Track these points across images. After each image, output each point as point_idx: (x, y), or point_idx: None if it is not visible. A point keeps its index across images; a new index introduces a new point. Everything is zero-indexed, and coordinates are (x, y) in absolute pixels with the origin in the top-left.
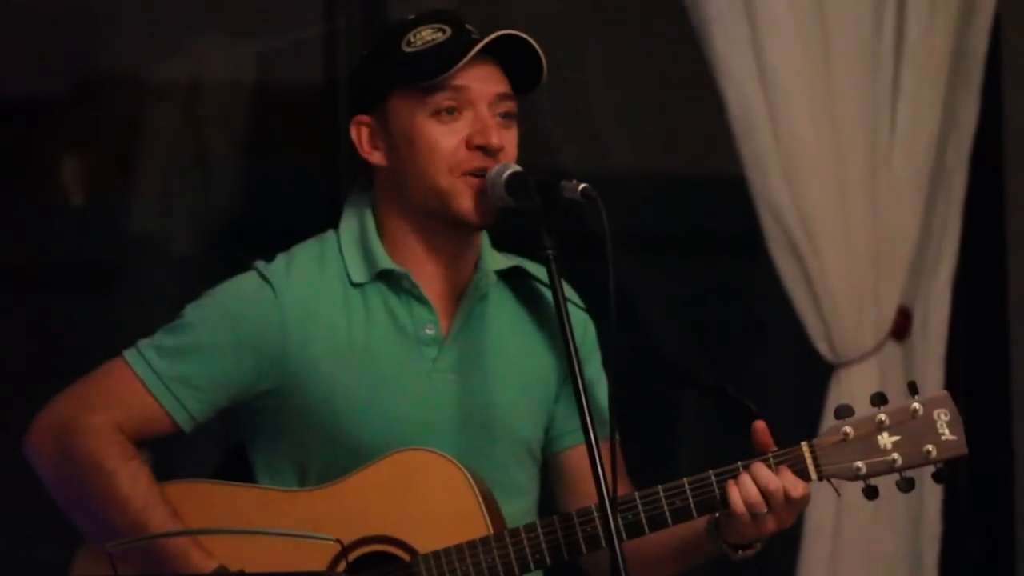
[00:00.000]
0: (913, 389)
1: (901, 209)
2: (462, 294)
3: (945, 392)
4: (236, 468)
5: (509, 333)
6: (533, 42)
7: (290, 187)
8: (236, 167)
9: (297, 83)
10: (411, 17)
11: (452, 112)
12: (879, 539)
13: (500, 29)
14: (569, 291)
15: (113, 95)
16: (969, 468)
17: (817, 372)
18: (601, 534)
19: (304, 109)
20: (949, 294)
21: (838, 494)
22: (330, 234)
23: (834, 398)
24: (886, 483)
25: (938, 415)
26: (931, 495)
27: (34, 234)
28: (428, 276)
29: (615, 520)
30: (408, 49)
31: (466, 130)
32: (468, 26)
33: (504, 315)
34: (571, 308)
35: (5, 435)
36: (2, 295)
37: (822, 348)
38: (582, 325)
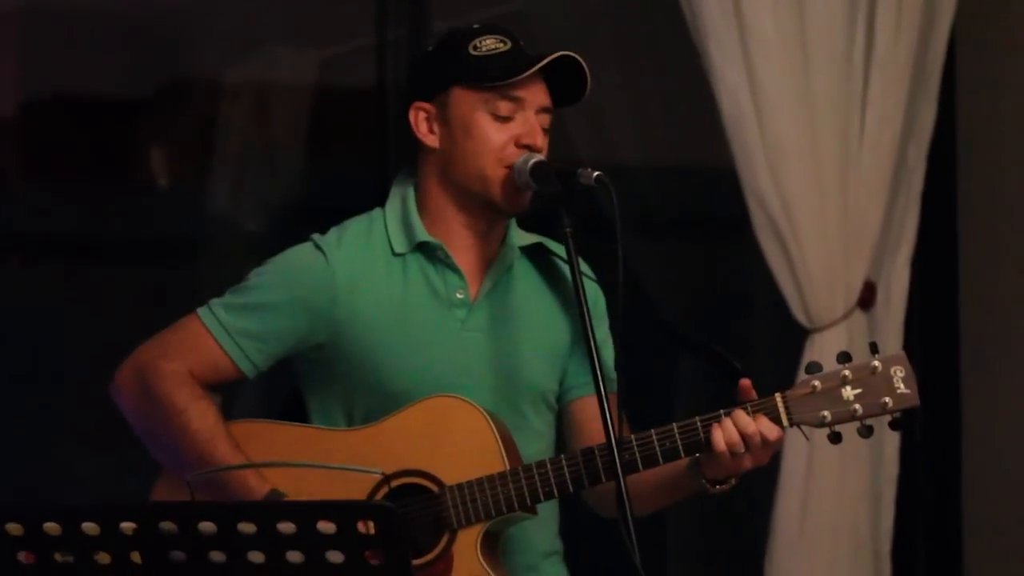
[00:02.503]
0: (874, 349)
1: (868, 199)
2: (490, 265)
3: (901, 352)
4: (293, 410)
5: (530, 299)
6: (584, 64)
7: (344, 174)
8: (299, 157)
9: (352, 85)
10: (475, 26)
11: (508, 117)
12: (845, 480)
13: (529, 43)
14: (583, 265)
15: (195, 95)
16: (923, 418)
17: (794, 336)
18: (602, 470)
19: (358, 107)
20: (908, 271)
21: (807, 438)
22: (377, 211)
23: (808, 359)
24: (850, 431)
25: (895, 371)
26: (889, 442)
27: (126, 213)
28: (460, 248)
29: (619, 457)
30: (475, 52)
31: (516, 130)
32: (522, 43)
33: (526, 284)
34: (584, 279)
35: (98, 386)
36: (98, 266)
37: (799, 316)
38: (593, 294)
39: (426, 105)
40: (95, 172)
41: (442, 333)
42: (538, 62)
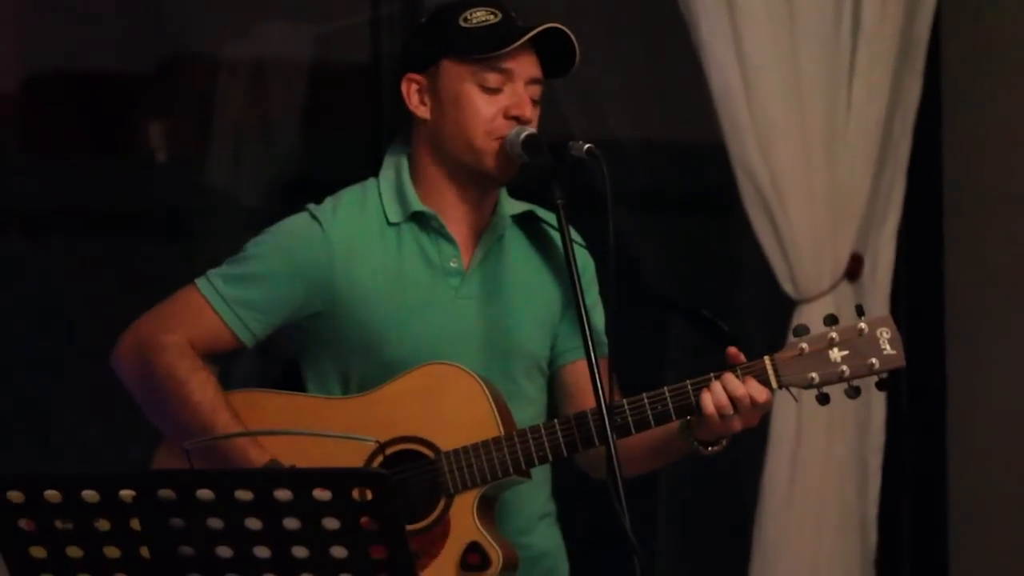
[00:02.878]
0: (860, 311)
1: (855, 172)
2: (482, 234)
3: (887, 314)
4: (290, 380)
5: (521, 266)
6: (572, 36)
7: (339, 147)
8: (294, 131)
9: (346, 61)
10: None
11: (496, 88)
12: (832, 448)
13: (521, 16)
14: (574, 233)
15: (192, 70)
16: (908, 387)
17: (782, 306)
18: (595, 434)
19: (352, 82)
20: (894, 243)
21: (796, 400)
22: (371, 181)
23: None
24: (838, 396)
25: (881, 333)
26: (876, 411)
27: (125, 187)
28: (453, 218)
29: (611, 421)
30: (464, 24)
31: (504, 102)
32: (513, 14)
33: (517, 251)
34: (575, 246)
35: (99, 357)
36: (97, 238)
37: (787, 287)
38: (583, 260)
39: (418, 77)
40: (95, 146)
41: (437, 301)
42: (526, 34)
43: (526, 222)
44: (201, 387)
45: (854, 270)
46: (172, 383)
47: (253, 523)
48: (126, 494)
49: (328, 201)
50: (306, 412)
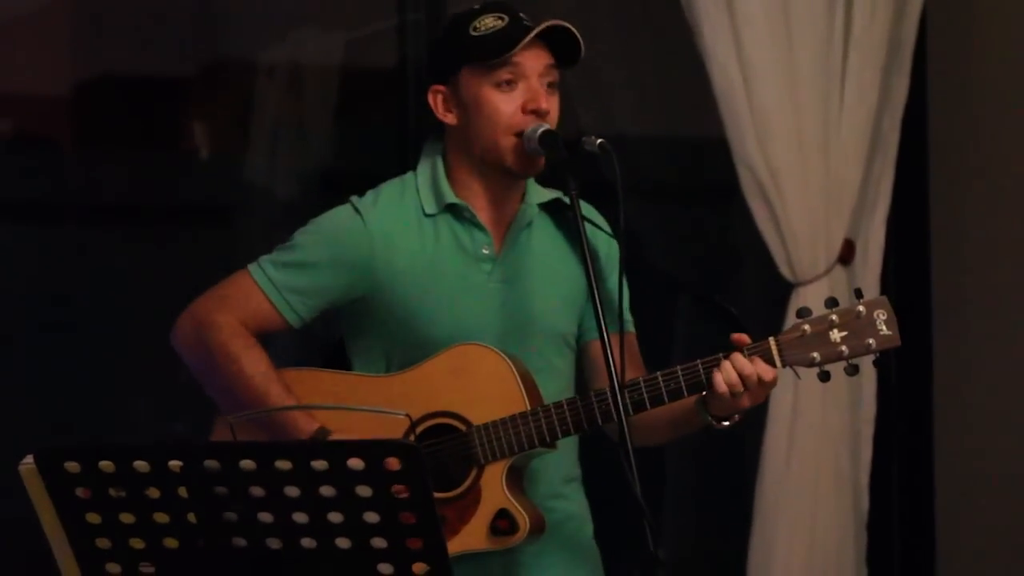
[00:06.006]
0: (858, 295)
1: (847, 164)
2: (511, 222)
3: (884, 297)
4: (338, 358)
5: (548, 251)
6: (574, 29)
7: (368, 144)
8: (327, 129)
9: (375, 64)
10: (476, 7)
11: (511, 84)
12: (827, 420)
13: (536, 16)
14: (600, 219)
15: (233, 73)
16: (897, 363)
17: (780, 289)
18: (612, 409)
19: (380, 84)
20: (884, 229)
21: (799, 378)
22: (409, 175)
23: (793, 310)
24: (837, 370)
25: (877, 315)
26: (868, 384)
27: (170, 182)
28: (484, 208)
29: (622, 397)
30: (475, 33)
31: (521, 98)
32: (521, 14)
33: (545, 237)
34: (599, 232)
35: (147, 340)
36: (144, 229)
37: (784, 271)
38: (607, 245)
39: (441, 87)
40: (142, 144)
41: (470, 285)
42: (528, 32)
43: (554, 209)
44: (254, 363)
45: (847, 255)
46: (226, 359)
47: (292, 491)
48: (174, 464)
49: (370, 194)
50: (350, 388)
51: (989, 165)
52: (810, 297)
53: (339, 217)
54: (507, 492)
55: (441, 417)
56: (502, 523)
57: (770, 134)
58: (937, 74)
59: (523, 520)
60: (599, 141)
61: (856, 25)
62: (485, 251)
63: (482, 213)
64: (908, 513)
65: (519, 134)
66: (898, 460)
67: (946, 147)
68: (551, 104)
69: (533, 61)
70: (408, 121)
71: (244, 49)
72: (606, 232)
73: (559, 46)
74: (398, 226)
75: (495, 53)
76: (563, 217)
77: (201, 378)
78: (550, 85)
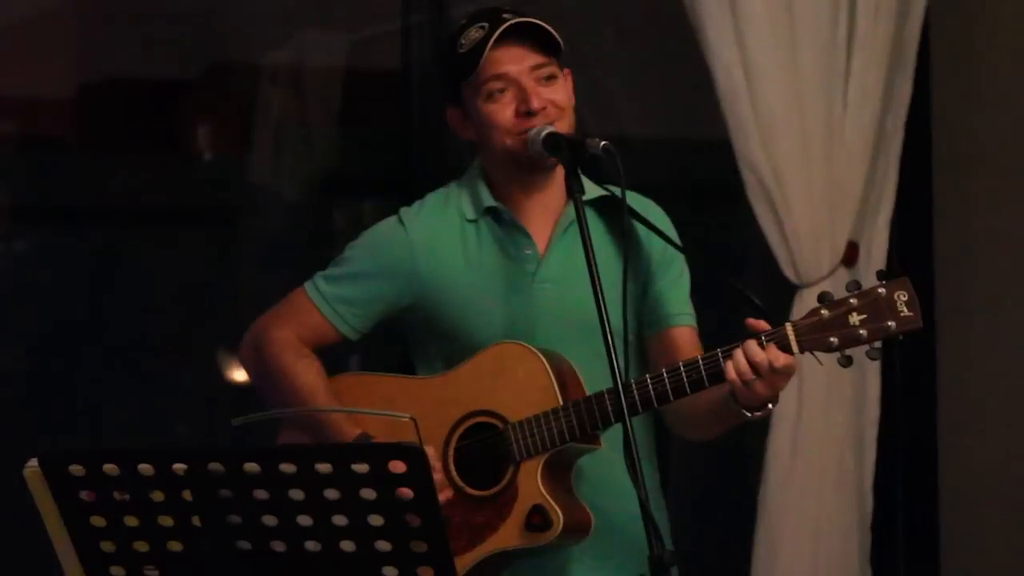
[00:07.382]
0: (880, 275)
1: (851, 165)
2: (556, 221)
3: (905, 277)
4: (406, 364)
5: (598, 248)
6: (541, 22)
7: (371, 146)
8: (330, 131)
9: (378, 67)
10: (463, 21)
11: (502, 91)
12: (831, 422)
13: (536, 16)
14: (660, 218)
15: (236, 76)
16: (901, 364)
17: (784, 292)
18: (638, 401)
19: (384, 87)
20: (887, 231)
21: (820, 364)
22: (453, 185)
23: (797, 312)
24: (838, 370)
25: (898, 296)
26: (872, 386)
27: (174, 184)
28: (524, 210)
29: (625, 397)
30: (460, 51)
31: (514, 102)
32: (505, 15)
33: (595, 235)
34: (659, 232)
35: (150, 342)
36: (148, 231)
37: (788, 273)
38: (661, 244)
39: (454, 109)
40: (146, 147)
41: (515, 286)
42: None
43: (604, 206)
44: (304, 373)
45: (851, 257)
46: (279, 372)
47: (296, 494)
48: (178, 467)
49: (416, 204)
50: (399, 391)
51: (993, 166)
52: (813, 299)
53: (383, 228)
54: (542, 488)
55: (481, 416)
56: (535, 518)
57: (774, 136)
58: (941, 75)
59: (556, 516)
60: (603, 143)
61: (860, 27)
62: (528, 252)
63: (522, 215)
64: (912, 515)
65: (522, 134)
66: (902, 462)
67: (950, 149)
68: (551, 95)
69: (515, 63)
70: (411, 123)
71: (248, 52)
72: (661, 233)
73: (543, 35)
74: (440, 233)
75: (474, 66)
76: (613, 214)
77: (261, 392)
78: (547, 78)
